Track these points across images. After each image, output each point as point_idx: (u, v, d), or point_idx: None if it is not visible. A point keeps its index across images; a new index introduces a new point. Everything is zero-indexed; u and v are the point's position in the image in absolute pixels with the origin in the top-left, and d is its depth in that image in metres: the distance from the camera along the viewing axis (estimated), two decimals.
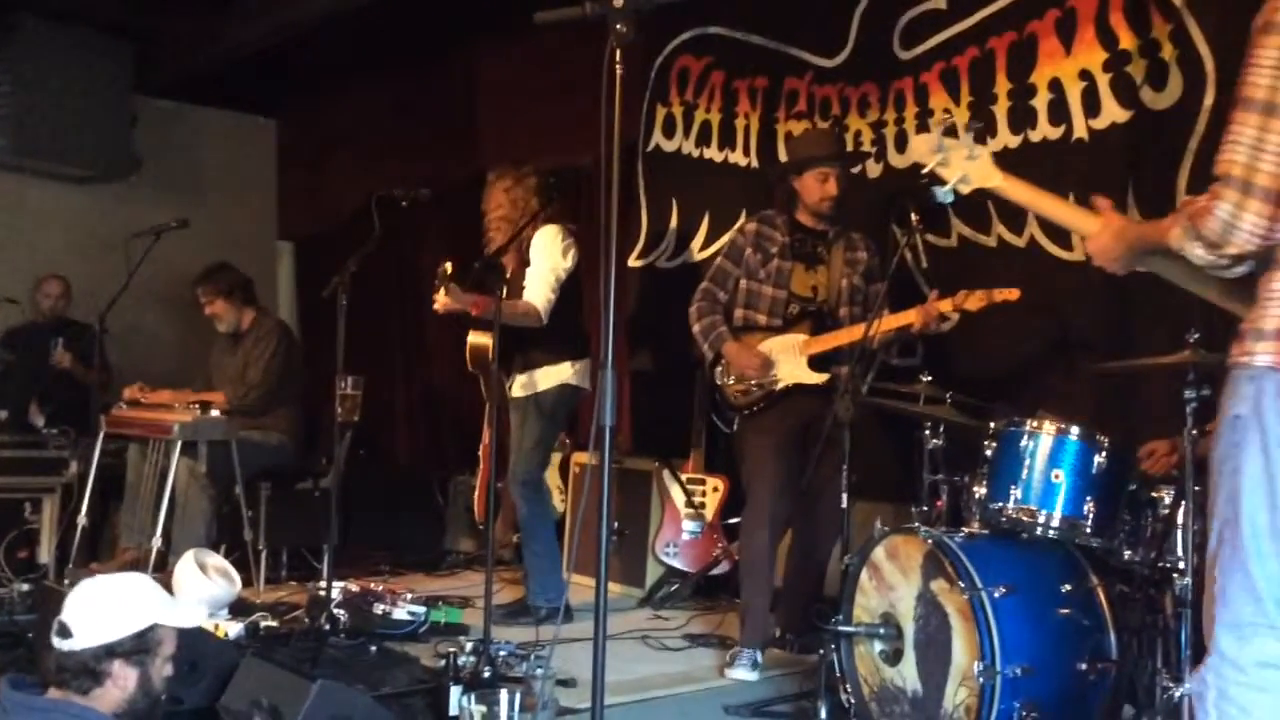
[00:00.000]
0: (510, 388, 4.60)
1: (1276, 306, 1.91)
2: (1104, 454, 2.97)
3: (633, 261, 5.78)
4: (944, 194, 2.48)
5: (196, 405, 5.09)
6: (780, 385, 4.01)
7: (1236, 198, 1.89)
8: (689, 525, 5.05)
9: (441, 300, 4.15)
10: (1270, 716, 1.93)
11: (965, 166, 2.43)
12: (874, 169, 4.72)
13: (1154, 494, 2.98)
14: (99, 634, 2.11)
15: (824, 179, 4.02)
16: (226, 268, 5.65)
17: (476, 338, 4.56)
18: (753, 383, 4.03)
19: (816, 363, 3.98)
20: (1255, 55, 1.92)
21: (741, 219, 4.90)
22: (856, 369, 3.67)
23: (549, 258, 4.41)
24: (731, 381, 4.10)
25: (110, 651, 2.11)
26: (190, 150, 7.89)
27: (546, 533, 4.58)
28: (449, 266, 4.06)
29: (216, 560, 4.22)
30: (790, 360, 4.01)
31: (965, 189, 2.44)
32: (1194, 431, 2.65)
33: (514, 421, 4.58)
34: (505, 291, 3.90)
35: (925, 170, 2.46)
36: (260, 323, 5.61)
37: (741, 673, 3.76)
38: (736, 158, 5.37)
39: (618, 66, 2.10)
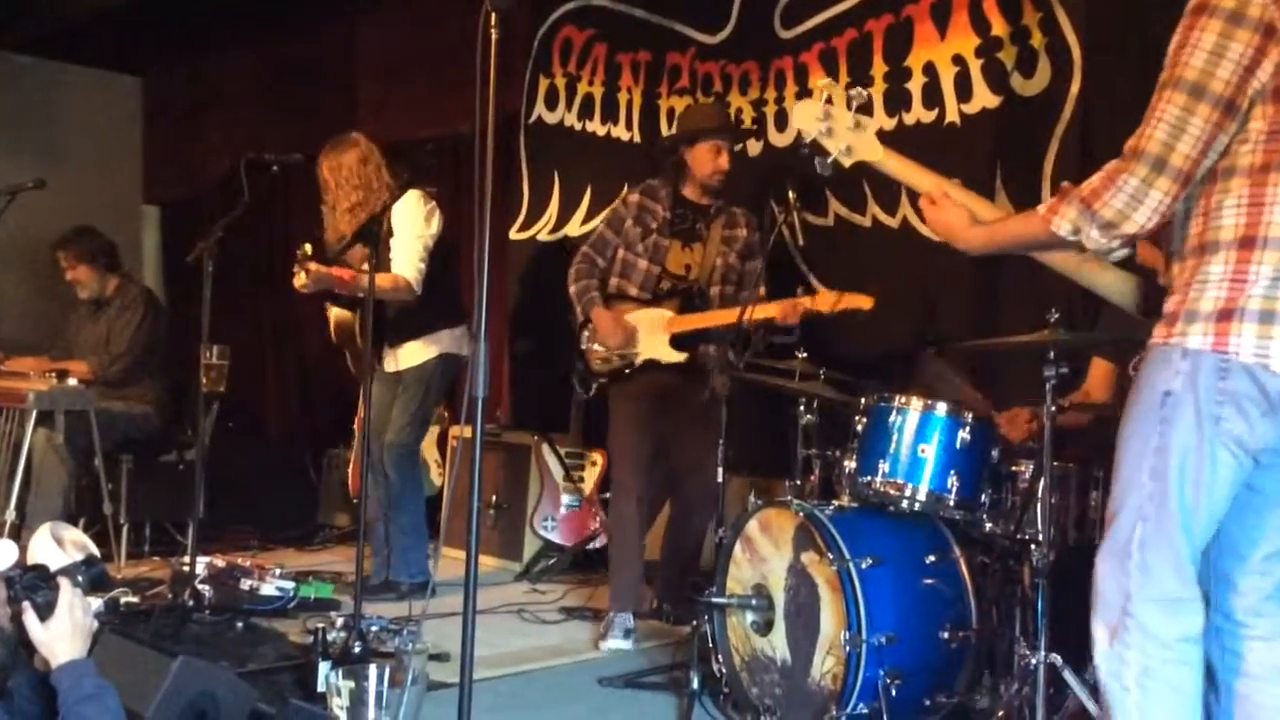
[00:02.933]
0: (384, 361, 4.50)
1: (1211, 289, 1.90)
2: (968, 429, 3.05)
3: (514, 234, 5.74)
4: (826, 166, 2.40)
5: (54, 374, 4.89)
6: (641, 359, 4.04)
7: (1146, 172, 1.89)
8: (567, 499, 5.05)
9: (301, 281, 4.05)
10: (1190, 687, 1.95)
11: (849, 137, 2.37)
12: (754, 147, 4.76)
13: (1014, 468, 3.08)
14: None
15: (717, 152, 4.03)
16: (90, 232, 5.44)
17: (339, 312, 4.43)
18: (615, 352, 4.06)
19: (678, 341, 4.02)
20: (1191, 35, 1.89)
21: (624, 193, 4.90)
22: (735, 345, 3.71)
23: (413, 226, 4.30)
24: (595, 347, 4.11)
25: None
26: (49, 108, 7.49)
27: (417, 507, 4.52)
28: (308, 248, 3.97)
29: (74, 534, 4.06)
30: (653, 335, 4.03)
31: (847, 161, 2.38)
32: (1053, 408, 2.75)
33: (385, 394, 4.48)
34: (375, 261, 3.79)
35: (809, 139, 2.38)
36: (125, 290, 5.42)
37: (615, 643, 3.81)
38: (619, 132, 5.35)
39: (493, 31, 2.07)
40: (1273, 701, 2.03)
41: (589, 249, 4.18)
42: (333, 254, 4.23)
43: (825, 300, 3.64)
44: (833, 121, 2.35)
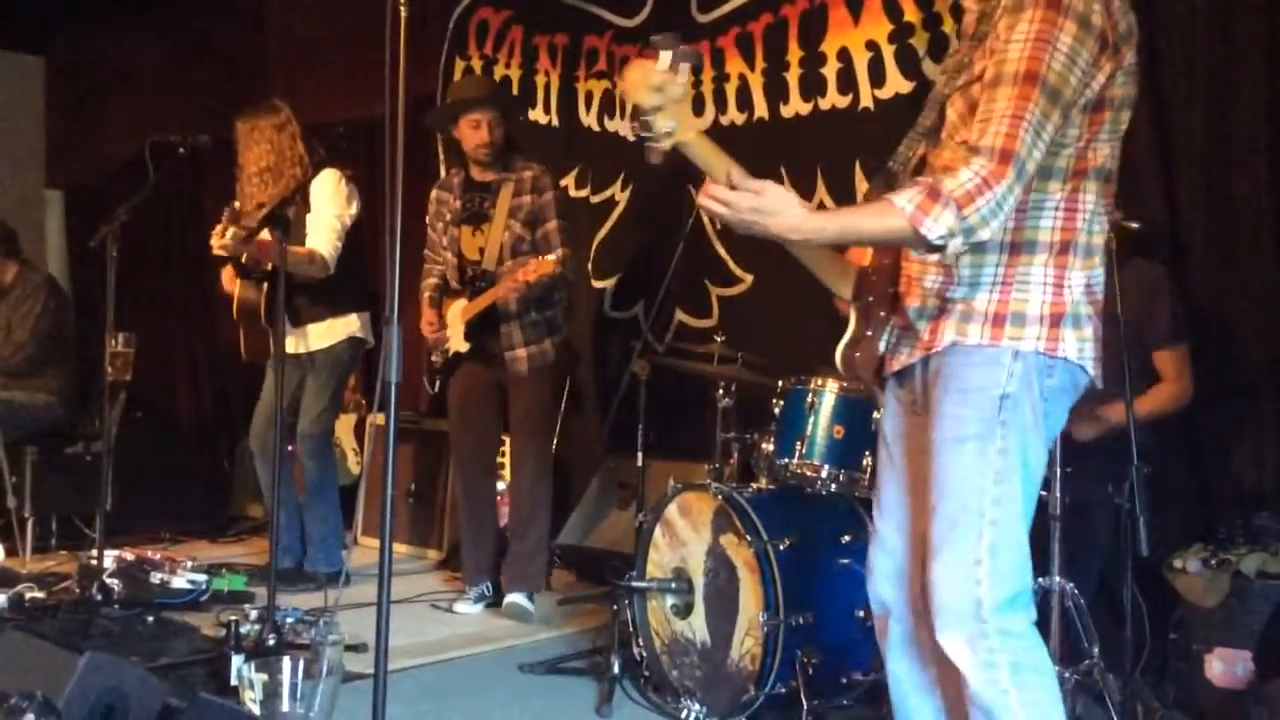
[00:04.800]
0: (289, 342, 4.40)
1: (1035, 291, 1.92)
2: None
3: None
4: (657, 153, 1.88)
5: None
6: (452, 351, 4.12)
7: (1012, 179, 1.78)
8: None
9: (222, 242, 3.95)
10: (1049, 665, 1.97)
11: (676, 112, 1.84)
12: None
13: None
14: None
15: (475, 125, 3.99)
16: None
17: (246, 289, 4.32)
18: (437, 348, 4.16)
19: (469, 329, 4.05)
20: (1050, 33, 1.81)
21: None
22: (652, 328, 3.72)
23: (333, 205, 4.26)
24: (430, 346, 4.24)
25: None
26: None
27: (333, 494, 4.49)
28: (237, 205, 3.88)
29: None
30: (455, 328, 4.10)
31: (668, 143, 1.86)
32: None
33: (290, 376, 4.38)
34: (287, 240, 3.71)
35: (644, 115, 1.82)
36: (26, 278, 5.24)
37: (464, 606, 4.10)
38: (537, 115, 5.31)
39: (402, 8, 2.03)
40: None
41: (427, 250, 4.27)
42: (244, 223, 4.14)
43: (530, 270, 3.73)
44: (668, 90, 1.82)
